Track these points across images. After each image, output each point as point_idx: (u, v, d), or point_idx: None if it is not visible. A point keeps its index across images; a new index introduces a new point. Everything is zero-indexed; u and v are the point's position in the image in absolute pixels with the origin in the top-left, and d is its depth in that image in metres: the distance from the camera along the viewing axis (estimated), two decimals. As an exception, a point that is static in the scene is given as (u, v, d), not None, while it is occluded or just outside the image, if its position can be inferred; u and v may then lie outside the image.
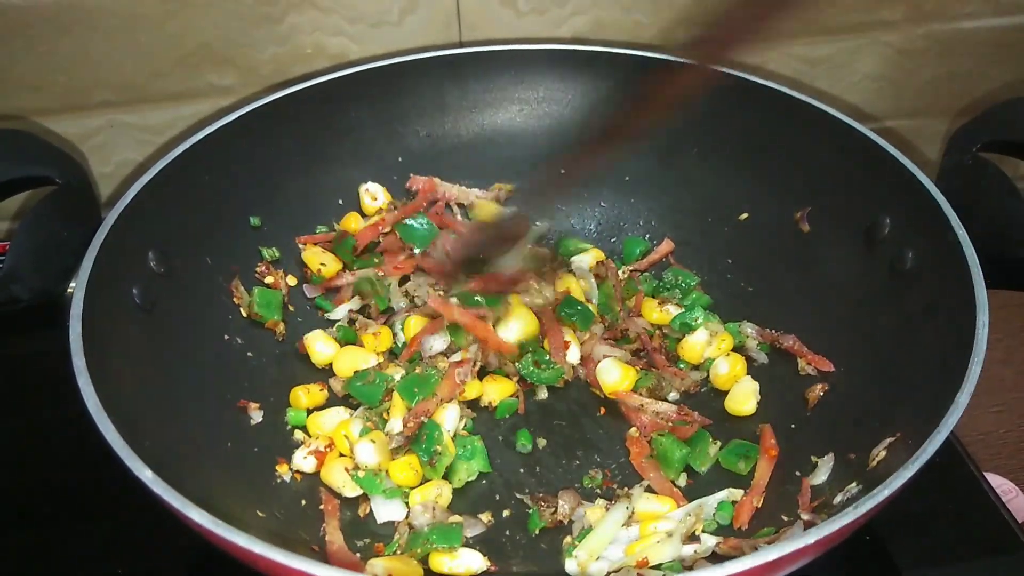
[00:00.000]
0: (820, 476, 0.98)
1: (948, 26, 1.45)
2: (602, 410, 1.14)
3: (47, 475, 1.13)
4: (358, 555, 0.96)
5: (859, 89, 1.50)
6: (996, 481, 1.17)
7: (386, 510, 1.01)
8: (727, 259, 1.28)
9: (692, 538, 0.96)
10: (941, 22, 1.44)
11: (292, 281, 1.23)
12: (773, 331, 1.17)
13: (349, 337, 1.19)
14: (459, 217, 1.33)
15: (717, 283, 1.26)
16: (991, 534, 1.04)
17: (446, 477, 1.04)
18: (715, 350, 1.16)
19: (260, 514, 0.96)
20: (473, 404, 1.13)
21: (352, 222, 1.28)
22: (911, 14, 1.43)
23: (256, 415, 1.09)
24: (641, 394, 1.12)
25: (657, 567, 0.91)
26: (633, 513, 0.99)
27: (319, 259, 1.23)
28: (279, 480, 1.04)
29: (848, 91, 1.50)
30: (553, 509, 1.00)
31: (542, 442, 1.10)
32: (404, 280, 1.25)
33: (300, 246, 1.26)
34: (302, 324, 1.21)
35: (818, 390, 1.09)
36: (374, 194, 1.30)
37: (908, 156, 1.10)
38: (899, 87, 1.51)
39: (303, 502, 1.02)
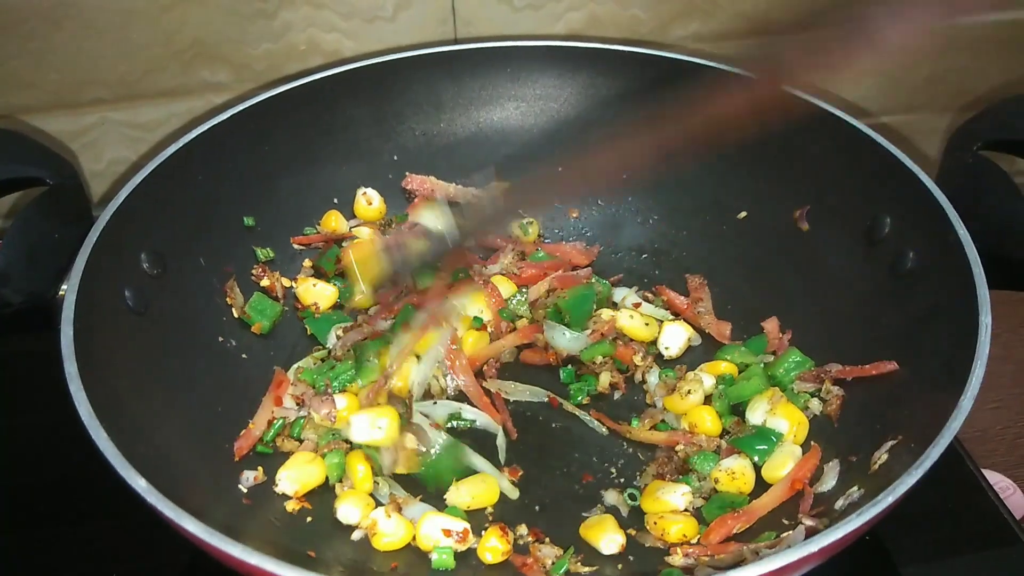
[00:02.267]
0: (827, 483, 0.97)
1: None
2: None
3: (40, 477, 1.12)
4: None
5: (855, 85, 1.49)
6: (994, 478, 1.17)
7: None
8: (725, 258, 1.26)
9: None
10: (939, 17, 1.44)
11: (287, 283, 1.22)
12: (819, 370, 1.09)
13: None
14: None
15: (715, 282, 1.25)
16: (988, 531, 1.04)
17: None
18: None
19: (256, 519, 0.95)
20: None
21: (332, 221, 1.27)
22: (908, 9, 1.42)
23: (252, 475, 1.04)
24: None
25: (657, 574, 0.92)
26: None
27: (312, 297, 1.21)
28: (276, 485, 1.02)
29: (844, 87, 1.49)
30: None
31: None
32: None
33: (295, 247, 1.25)
34: (294, 321, 1.20)
35: (836, 404, 1.07)
36: (371, 199, 1.29)
37: (905, 152, 1.10)
38: (896, 83, 1.51)
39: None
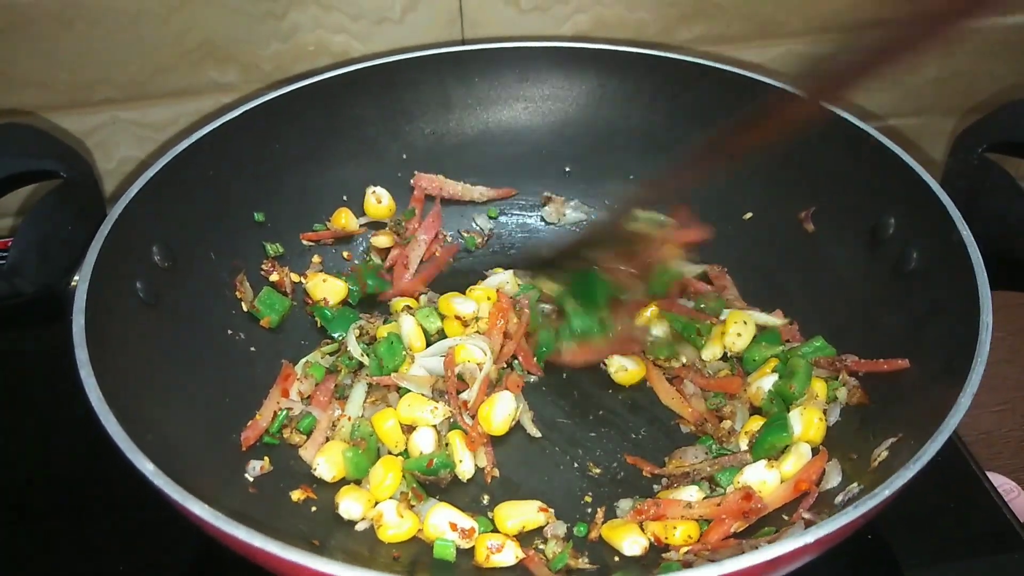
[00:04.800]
0: (831, 481, 0.96)
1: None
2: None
3: (49, 470, 1.13)
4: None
5: (861, 87, 1.49)
6: (998, 480, 1.16)
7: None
8: (731, 259, 1.27)
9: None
10: (944, 20, 1.44)
11: (296, 278, 1.23)
12: (835, 359, 1.09)
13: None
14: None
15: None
16: (993, 533, 1.04)
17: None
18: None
19: (263, 508, 0.96)
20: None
21: (342, 218, 1.28)
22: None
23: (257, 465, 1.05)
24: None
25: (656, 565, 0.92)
26: None
27: (322, 291, 1.22)
28: (315, 469, 1.04)
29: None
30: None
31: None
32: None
33: (304, 243, 1.26)
34: (303, 315, 1.21)
35: (858, 394, 1.06)
36: (380, 197, 1.29)
37: (911, 155, 1.10)
38: (902, 85, 1.51)
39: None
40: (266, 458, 1.03)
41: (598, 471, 1.06)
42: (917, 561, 1.00)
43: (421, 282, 1.27)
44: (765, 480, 0.98)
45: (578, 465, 1.07)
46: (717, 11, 1.39)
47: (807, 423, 1.02)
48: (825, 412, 1.05)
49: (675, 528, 0.95)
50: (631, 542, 0.96)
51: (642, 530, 0.97)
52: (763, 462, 1.00)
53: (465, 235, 1.34)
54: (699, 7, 1.38)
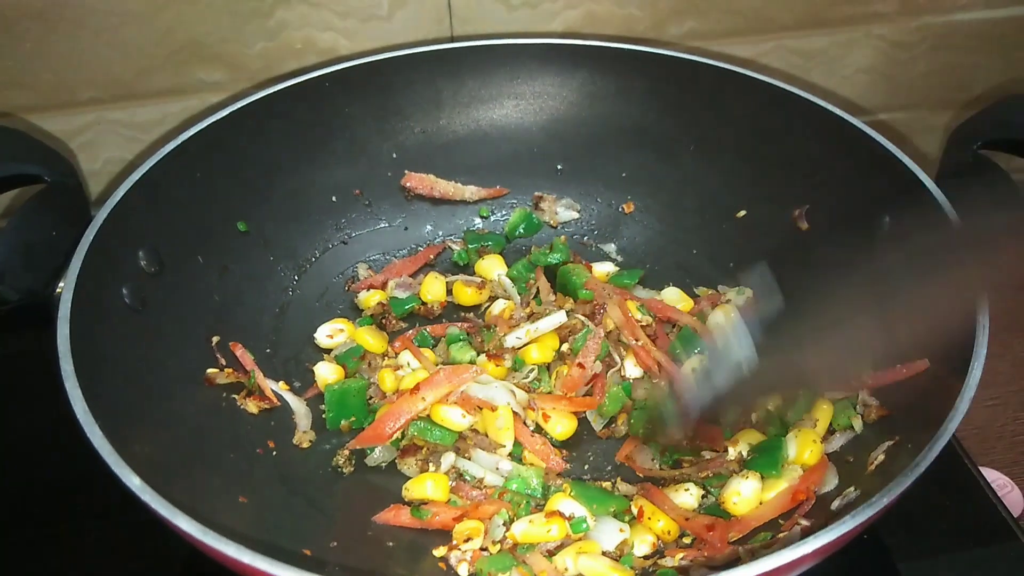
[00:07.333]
0: (828, 485, 0.96)
1: (941, 19, 1.44)
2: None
3: (36, 477, 1.12)
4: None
5: (852, 82, 1.49)
6: (991, 475, 1.17)
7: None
8: (724, 257, 1.27)
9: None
10: (934, 15, 1.44)
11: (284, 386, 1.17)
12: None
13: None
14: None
15: (713, 280, 1.26)
16: (986, 528, 1.04)
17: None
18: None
19: (253, 518, 0.95)
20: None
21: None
22: (904, 7, 1.42)
23: (251, 406, 1.08)
24: None
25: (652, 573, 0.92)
26: None
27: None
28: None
29: (841, 84, 1.49)
30: None
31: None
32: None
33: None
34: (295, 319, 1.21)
35: (875, 414, 1.02)
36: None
37: (904, 150, 1.09)
38: (892, 80, 1.51)
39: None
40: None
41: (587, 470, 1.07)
42: (911, 556, 1.01)
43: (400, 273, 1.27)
44: (747, 495, 0.96)
45: (571, 467, 1.07)
46: (707, 6, 1.38)
47: (802, 447, 0.99)
48: (831, 435, 1.02)
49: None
50: (639, 540, 0.96)
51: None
52: (751, 479, 0.97)
53: (455, 248, 1.33)
54: (689, 2, 1.37)
